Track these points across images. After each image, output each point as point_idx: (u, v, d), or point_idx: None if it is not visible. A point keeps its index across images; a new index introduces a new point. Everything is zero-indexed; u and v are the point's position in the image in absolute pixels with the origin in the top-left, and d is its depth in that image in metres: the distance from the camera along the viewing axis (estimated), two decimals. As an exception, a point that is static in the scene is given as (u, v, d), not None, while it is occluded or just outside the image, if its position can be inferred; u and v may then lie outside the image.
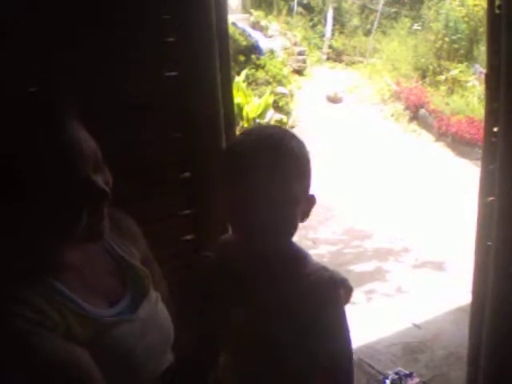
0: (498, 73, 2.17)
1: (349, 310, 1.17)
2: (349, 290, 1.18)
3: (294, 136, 1.13)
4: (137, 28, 1.54)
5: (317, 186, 1.22)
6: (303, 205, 1.13)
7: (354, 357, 1.20)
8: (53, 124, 0.94)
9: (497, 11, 2.14)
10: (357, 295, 4.11)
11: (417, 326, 3.73)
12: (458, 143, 7.90)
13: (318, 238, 5.32)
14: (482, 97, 8.05)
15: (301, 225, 1.15)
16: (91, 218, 0.98)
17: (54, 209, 0.94)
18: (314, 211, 1.17)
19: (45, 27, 1.34)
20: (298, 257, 1.19)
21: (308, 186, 1.14)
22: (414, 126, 8.95)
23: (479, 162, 2.48)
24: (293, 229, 1.15)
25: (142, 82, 1.55)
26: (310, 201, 1.15)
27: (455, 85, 9.18)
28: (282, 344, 1.12)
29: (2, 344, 0.88)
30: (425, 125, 8.75)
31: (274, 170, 1.06)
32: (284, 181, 1.07)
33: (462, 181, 6.38)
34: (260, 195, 1.05)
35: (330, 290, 1.14)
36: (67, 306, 0.97)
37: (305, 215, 1.15)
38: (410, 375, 3.04)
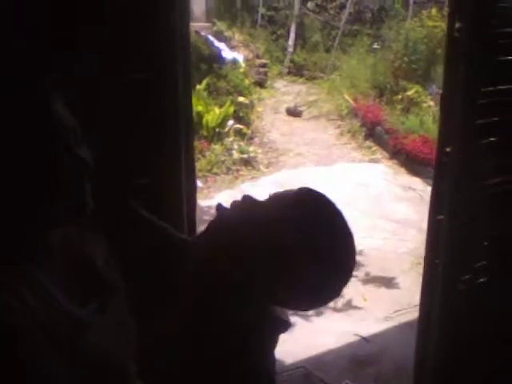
0: (452, 95, 2.24)
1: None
2: None
3: None
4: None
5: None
6: None
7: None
8: (37, 101, 0.96)
9: (456, 34, 2.19)
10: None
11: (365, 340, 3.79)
12: (412, 161, 8.07)
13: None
14: (437, 117, 8.26)
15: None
16: (74, 192, 0.98)
17: (37, 181, 0.94)
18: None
19: None
20: None
21: None
22: (369, 142, 9.09)
23: (431, 181, 2.55)
24: None
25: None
26: None
27: (411, 104, 9.39)
28: None
29: None
30: (380, 142, 8.91)
31: None
32: None
33: (412, 198, 6.53)
34: None
35: None
36: (49, 298, 0.95)
37: None
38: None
